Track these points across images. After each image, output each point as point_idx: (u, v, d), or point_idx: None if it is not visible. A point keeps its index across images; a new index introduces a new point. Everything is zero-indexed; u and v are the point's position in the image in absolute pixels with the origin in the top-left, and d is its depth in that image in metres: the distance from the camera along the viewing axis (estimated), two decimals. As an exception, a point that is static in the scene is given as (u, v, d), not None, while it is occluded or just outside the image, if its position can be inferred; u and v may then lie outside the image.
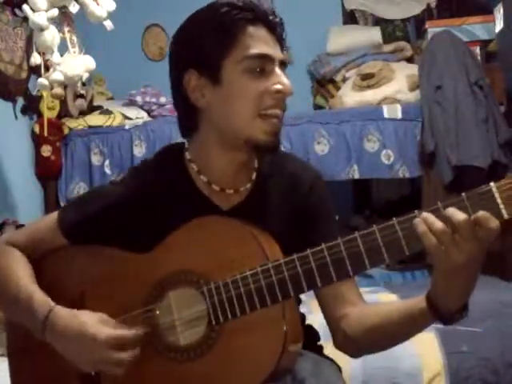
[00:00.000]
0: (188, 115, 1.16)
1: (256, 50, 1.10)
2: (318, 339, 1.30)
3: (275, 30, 1.14)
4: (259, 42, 1.10)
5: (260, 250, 1.03)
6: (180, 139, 1.25)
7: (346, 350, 1.17)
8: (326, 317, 1.18)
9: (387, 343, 1.13)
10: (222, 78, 1.10)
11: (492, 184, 0.89)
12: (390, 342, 1.12)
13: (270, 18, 1.13)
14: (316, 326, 1.30)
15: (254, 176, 1.20)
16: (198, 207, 1.14)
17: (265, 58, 1.10)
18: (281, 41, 1.15)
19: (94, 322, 1.07)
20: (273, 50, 1.12)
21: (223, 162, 1.15)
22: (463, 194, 0.90)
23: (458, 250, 0.89)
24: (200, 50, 1.12)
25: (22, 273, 1.17)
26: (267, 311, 1.00)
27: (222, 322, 1.03)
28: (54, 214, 1.22)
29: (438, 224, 0.89)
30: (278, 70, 1.12)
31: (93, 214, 1.19)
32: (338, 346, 1.17)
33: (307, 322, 1.29)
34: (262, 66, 1.10)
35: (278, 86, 1.10)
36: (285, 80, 1.11)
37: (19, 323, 1.16)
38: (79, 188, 3.37)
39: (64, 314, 1.09)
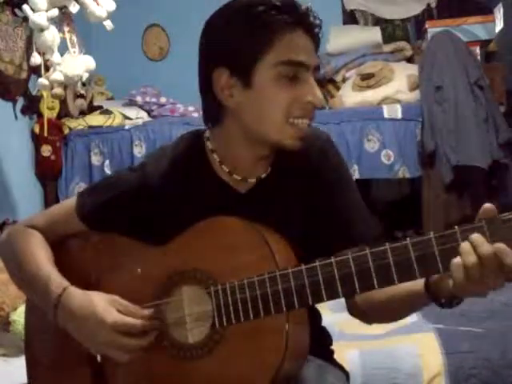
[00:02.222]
0: (213, 109, 1.14)
1: (292, 56, 1.06)
2: (330, 343, 1.28)
3: (313, 32, 1.10)
4: (296, 48, 1.07)
5: (270, 256, 1.01)
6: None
7: (357, 317, 1.16)
8: None
9: (393, 316, 1.13)
10: (254, 81, 1.07)
11: None
12: (396, 315, 1.12)
13: (309, 20, 1.09)
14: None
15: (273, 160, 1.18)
16: (217, 192, 1.15)
17: (299, 65, 1.07)
18: (317, 43, 1.12)
19: (105, 305, 1.08)
20: (308, 57, 1.08)
21: (246, 154, 1.14)
22: (483, 220, 0.86)
23: (481, 284, 0.87)
24: (233, 48, 1.08)
25: (41, 253, 1.18)
26: (271, 320, 0.99)
27: (225, 325, 1.02)
28: (73, 199, 1.23)
29: (473, 258, 0.85)
30: (311, 79, 1.09)
31: (110, 201, 1.18)
32: (351, 313, 1.17)
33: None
34: (296, 72, 1.07)
35: (309, 98, 1.07)
36: (317, 91, 1.08)
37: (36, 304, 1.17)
38: (79, 188, 3.37)
39: (77, 294, 1.10)
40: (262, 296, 0.99)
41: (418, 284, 0.97)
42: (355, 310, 1.14)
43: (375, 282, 0.93)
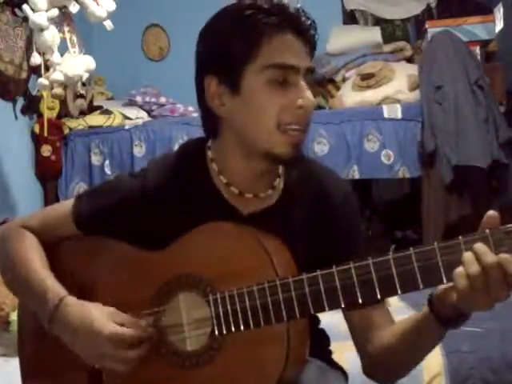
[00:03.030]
0: (210, 121, 1.13)
1: (280, 59, 1.03)
2: (328, 344, 1.27)
3: (304, 34, 1.06)
4: (284, 51, 1.03)
5: (270, 265, 0.99)
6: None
7: (373, 376, 1.14)
8: (353, 338, 1.16)
9: (405, 362, 1.09)
10: (242, 87, 1.04)
11: None
12: (407, 360, 1.08)
13: (299, 21, 1.05)
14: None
15: (276, 182, 1.15)
16: (216, 208, 1.12)
17: (289, 69, 1.03)
18: (310, 45, 1.08)
19: (102, 317, 1.05)
20: (298, 60, 1.04)
21: (243, 168, 1.11)
22: (487, 230, 0.85)
23: (486, 296, 0.85)
24: (220, 54, 1.06)
25: (36, 257, 1.15)
26: (271, 328, 0.97)
27: (224, 333, 1.01)
28: (69, 202, 1.21)
29: (476, 267, 0.84)
30: (302, 82, 1.04)
31: (107, 207, 1.16)
32: (367, 372, 1.14)
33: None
34: (286, 76, 1.03)
35: (300, 102, 1.03)
36: (308, 95, 1.04)
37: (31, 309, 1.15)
38: (79, 188, 3.37)
39: (74, 305, 1.07)
40: (262, 305, 0.97)
41: (424, 311, 0.96)
42: (371, 367, 1.12)
43: (377, 293, 0.91)
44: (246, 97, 1.05)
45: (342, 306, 0.94)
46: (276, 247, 1.05)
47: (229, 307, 1.00)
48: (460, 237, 0.86)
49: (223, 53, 1.06)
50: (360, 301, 0.93)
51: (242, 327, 0.99)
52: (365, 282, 0.92)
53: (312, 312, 0.96)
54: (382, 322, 1.11)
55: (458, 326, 0.95)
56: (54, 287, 1.10)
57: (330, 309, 0.95)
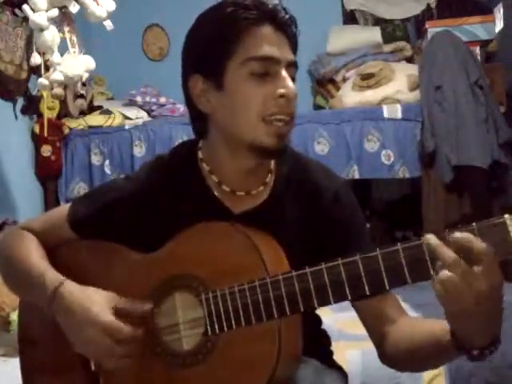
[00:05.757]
0: (197, 120, 1.14)
1: (259, 51, 1.05)
2: (329, 344, 1.27)
3: (284, 28, 1.08)
4: (263, 43, 1.05)
5: (260, 263, 1.00)
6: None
7: (389, 365, 1.14)
8: (367, 332, 1.15)
9: (425, 366, 1.11)
10: (225, 82, 1.07)
11: (507, 216, 0.83)
12: (427, 365, 1.10)
13: (278, 16, 1.07)
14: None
15: (268, 178, 1.15)
16: (209, 208, 1.12)
17: (269, 60, 1.05)
18: (291, 40, 1.09)
19: (103, 303, 1.05)
20: (278, 52, 1.06)
21: (232, 166, 1.12)
22: (474, 224, 0.85)
23: (468, 291, 0.83)
24: (203, 52, 1.08)
25: (35, 252, 1.17)
26: (263, 326, 0.98)
27: (217, 332, 1.01)
28: (67, 206, 1.22)
29: (450, 254, 0.83)
30: (283, 72, 1.06)
31: (101, 210, 1.18)
32: (383, 362, 1.14)
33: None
34: (266, 68, 1.05)
35: (281, 91, 1.05)
36: (289, 83, 1.05)
37: (31, 309, 1.16)
38: (79, 188, 3.37)
39: (75, 288, 1.08)
40: (253, 303, 0.98)
41: (446, 333, 0.93)
42: (387, 360, 1.13)
43: (366, 288, 0.92)
44: (229, 91, 1.07)
45: (332, 302, 0.95)
46: (267, 245, 1.05)
47: (221, 306, 1.01)
48: (446, 230, 0.87)
49: (205, 51, 1.08)
50: (349, 297, 0.93)
51: (233, 326, 1.00)
52: (353, 278, 0.92)
53: (302, 309, 0.97)
54: (394, 314, 1.11)
55: (485, 357, 0.91)
56: (54, 273, 1.11)
57: (320, 305, 0.96)
